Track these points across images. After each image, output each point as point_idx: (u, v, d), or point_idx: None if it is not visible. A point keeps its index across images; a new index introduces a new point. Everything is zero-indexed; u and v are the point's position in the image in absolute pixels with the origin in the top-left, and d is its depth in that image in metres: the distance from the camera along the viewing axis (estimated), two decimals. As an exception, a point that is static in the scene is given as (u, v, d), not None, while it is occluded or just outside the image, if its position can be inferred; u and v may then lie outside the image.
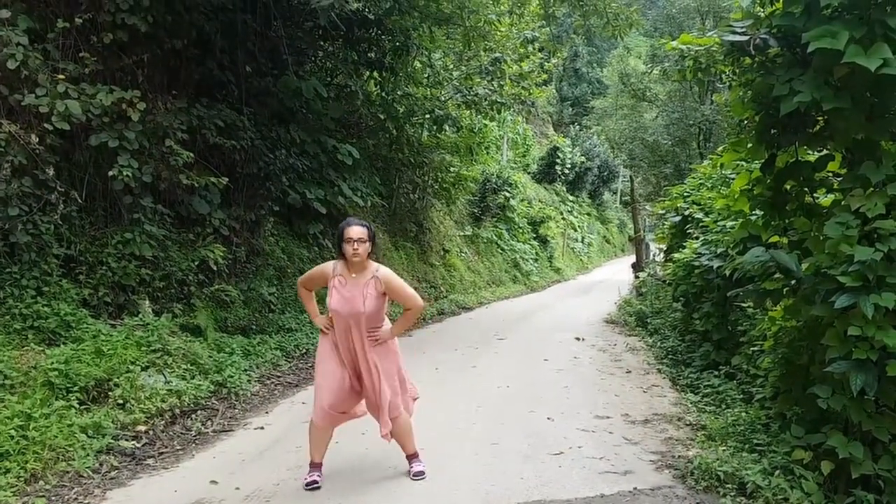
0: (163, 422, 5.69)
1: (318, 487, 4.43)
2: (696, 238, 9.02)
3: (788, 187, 4.81)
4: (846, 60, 3.70)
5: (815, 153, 4.86)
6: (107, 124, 6.71)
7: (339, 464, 4.77)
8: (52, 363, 5.45)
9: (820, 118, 4.40)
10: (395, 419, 4.58)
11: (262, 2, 9.00)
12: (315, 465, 4.55)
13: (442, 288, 16.28)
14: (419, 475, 4.64)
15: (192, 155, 7.52)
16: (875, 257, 3.83)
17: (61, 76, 6.38)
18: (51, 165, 6.30)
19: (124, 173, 6.72)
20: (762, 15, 4.44)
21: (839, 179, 4.56)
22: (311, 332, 8.96)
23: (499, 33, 14.45)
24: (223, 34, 8.63)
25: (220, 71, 8.82)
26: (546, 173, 35.13)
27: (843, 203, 4.22)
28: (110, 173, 6.73)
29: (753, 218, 5.42)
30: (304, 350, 8.74)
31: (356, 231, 4.38)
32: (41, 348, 5.72)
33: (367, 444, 5.19)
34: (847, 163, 4.45)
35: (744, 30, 4.31)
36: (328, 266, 4.55)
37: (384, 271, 4.50)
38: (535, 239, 26.94)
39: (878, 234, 3.99)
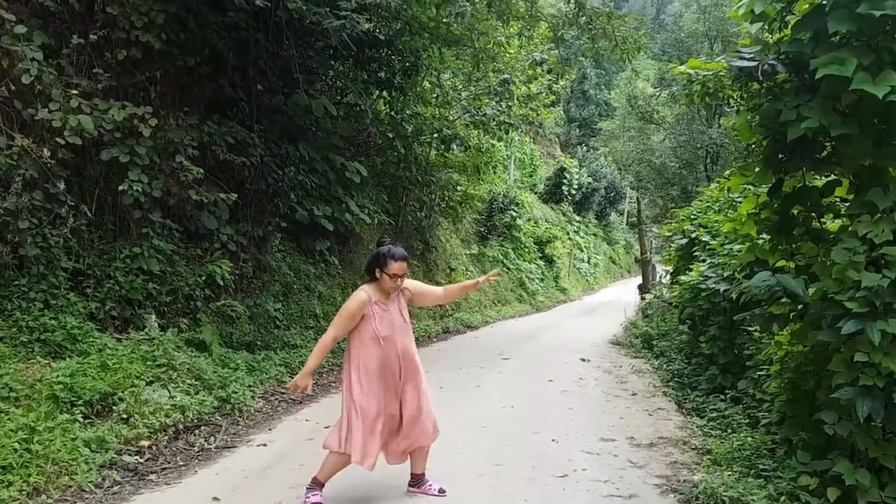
0: (166, 437, 5.68)
1: (323, 507, 4.38)
2: (703, 261, 9.00)
3: (795, 212, 4.82)
4: (854, 87, 3.73)
5: (823, 178, 4.88)
6: (118, 139, 6.79)
7: (342, 482, 4.74)
8: (58, 376, 5.46)
9: (827, 144, 4.42)
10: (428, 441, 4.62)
11: (275, 21, 9.09)
12: (319, 484, 4.46)
13: (447, 306, 16.26)
14: (443, 491, 4.66)
15: (201, 171, 7.57)
16: (882, 283, 3.84)
17: (74, 91, 6.46)
18: (62, 179, 6.36)
19: (134, 188, 6.80)
20: (770, 41, 4.48)
21: (846, 205, 4.57)
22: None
23: (508, 55, 14.59)
24: (235, 52, 8.72)
25: (232, 88, 8.90)
26: (553, 193, 35.16)
27: (850, 229, 4.22)
28: (120, 188, 6.80)
29: (760, 242, 5.42)
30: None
31: (402, 266, 4.36)
32: (47, 361, 5.74)
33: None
34: (854, 188, 4.47)
35: (752, 55, 4.35)
36: (362, 297, 4.36)
37: (405, 281, 4.52)
38: (541, 258, 26.90)
39: (886, 261, 3.99)
